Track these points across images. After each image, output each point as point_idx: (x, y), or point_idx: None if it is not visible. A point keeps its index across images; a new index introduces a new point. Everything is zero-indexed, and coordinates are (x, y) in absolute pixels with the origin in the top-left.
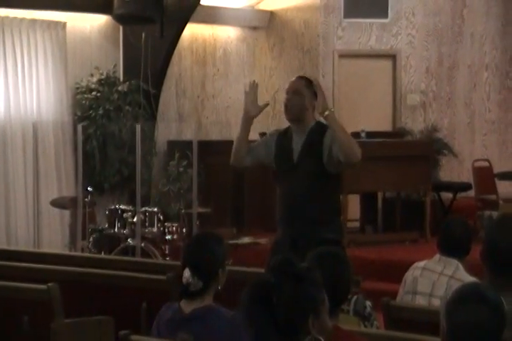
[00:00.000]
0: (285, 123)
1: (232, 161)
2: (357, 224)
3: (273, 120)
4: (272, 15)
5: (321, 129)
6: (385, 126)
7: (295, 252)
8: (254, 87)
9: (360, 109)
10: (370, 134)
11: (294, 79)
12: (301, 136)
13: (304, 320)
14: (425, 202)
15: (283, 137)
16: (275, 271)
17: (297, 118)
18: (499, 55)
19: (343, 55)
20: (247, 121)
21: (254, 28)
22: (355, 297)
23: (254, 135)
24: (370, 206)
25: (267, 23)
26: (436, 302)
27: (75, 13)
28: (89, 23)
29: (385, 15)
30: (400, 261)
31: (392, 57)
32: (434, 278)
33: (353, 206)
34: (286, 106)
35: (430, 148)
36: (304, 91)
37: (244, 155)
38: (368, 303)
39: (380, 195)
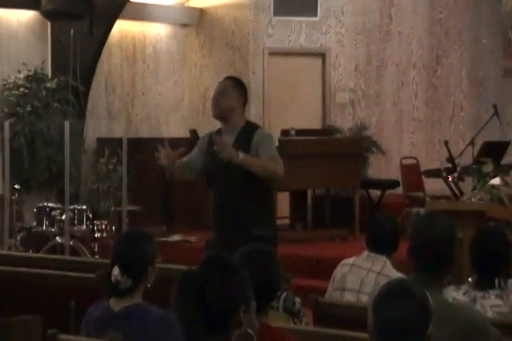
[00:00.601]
0: (215, 120)
1: (170, 178)
2: (287, 222)
3: (203, 117)
4: (202, 12)
5: (250, 129)
6: (315, 123)
7: (227, 250)
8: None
9: (289, 107)
10: (300, 132)
11: (222, 79)
12: (231, 137)
13: (235, 311)
14: (354, 199)
15: (211, 138)
16: (207, 263)
17: (223, 116)
18: (426, 54)
19: (272, 53)
20: (169, 169)
21: (185, 26)
22: (284, 294)
23: (184, 132)
24: (299, 203)
25: (197, 21)
26: (365, 299)
27: (1, 9)
28: (17, 18)
29: (314, 13)
30: (329, 257)
31: (322, 55)
32: (362, 275)
33: (283, 203)
34: (212, 105)
35: (359, 146)
36: (231, 92)
37: (181, 175)
38: (297, 300)
39: (309, 193)
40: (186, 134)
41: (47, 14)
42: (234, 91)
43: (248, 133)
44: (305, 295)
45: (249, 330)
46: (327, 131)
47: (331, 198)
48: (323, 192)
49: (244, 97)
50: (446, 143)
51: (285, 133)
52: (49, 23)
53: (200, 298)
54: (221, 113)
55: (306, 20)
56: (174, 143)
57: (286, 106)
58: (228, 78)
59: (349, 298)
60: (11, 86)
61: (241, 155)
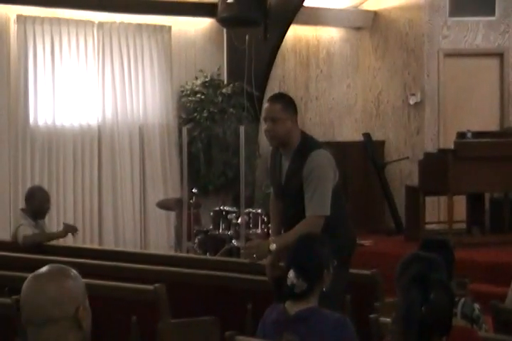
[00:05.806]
0: (388, 124)
1: None
2: (463, 226)
3: (376, 120)
4: (375, 15)
5: (303, 152)
6: (492, 125)
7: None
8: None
9: (466, 109)
10: (477, 134)
11: (267, 104)
12: (288, 157)
13: (439, 333)
14: None
15: (275, 155)
16: (433, 277)
17: (283, 143)
18: None
19: (448, 55)
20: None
21: (358, 29)
22: (462, 299)
23: (357, 136)
24: (476, 207)
25: (371, 24)
26: None
27: (179, 17)
28: (194, 27)
29: (491, 12)
30: (508, 263)
31: (500, 55)
32: None
33: (459, 207)
34: (267, 135)
35: None
36: (283, 116)
37: None
38: (476, 306)
39: (487, 196)
40: (360, 138)
41: (223, 21)
42: (284, 113)
43: (302, 156)
44: (484, 301)
45: None
46: (505, 133)
47: (510, 202)
48: (501, 196)
49: (295, 113)
50: None
51: (461, 135)
52: (224, 30)
53: (424, 294)
54: (280, 141)
55: (483, 20)
56: (347, 146)
57: (462, 108)
58: (273, 100)
59: None
60: (188, 92)
61: (272, 246)
